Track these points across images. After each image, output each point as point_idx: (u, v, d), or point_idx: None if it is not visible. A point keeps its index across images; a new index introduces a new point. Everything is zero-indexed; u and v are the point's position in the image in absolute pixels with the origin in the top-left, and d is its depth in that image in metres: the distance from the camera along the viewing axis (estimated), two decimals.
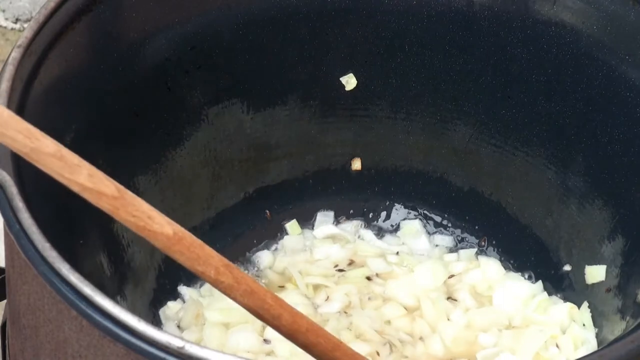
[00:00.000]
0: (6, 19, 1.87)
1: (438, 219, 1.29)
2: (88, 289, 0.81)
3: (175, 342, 0.78)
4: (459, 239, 1.28)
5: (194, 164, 1.21)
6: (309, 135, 1.26)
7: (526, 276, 1.24)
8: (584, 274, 1.19)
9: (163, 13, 1.12)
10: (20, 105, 0.95)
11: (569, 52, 1.16)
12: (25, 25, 1.86)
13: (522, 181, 1.23)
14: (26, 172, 0.88)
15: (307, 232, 1.28)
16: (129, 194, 0.77)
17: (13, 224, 0.85)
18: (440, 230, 1.29)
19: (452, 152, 1.26)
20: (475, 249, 1.27)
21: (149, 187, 1.16)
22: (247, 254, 1.26)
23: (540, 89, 1.18)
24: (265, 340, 1.14)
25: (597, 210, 1.18)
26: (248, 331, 1.15)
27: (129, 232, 1.12)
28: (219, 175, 1.23)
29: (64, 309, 0.84)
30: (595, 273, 1.18)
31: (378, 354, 1.14)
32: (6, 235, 0.90)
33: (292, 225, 1.28)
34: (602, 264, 1.17)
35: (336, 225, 1.29)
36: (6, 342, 1.03)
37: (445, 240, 1.28)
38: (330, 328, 1.16)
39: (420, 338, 1.17)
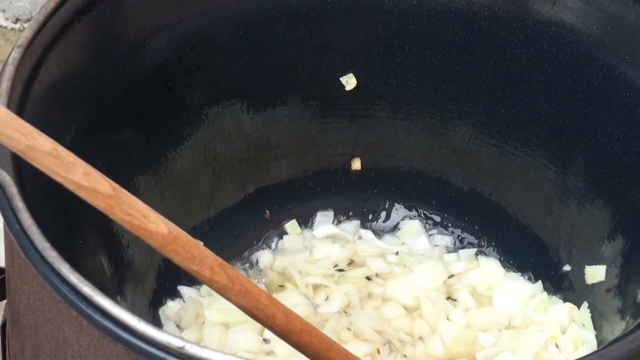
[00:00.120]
0: (6, 19, 1.87)
1: (438, 219, 1.29)
2: (88, 289, 0.81)
3: (175, 342, 0.78)
4: (459, 239, 1.28)
5: (194, 164, 1.21)
6: (309, 135, 1.26)
7: (526, 276, 1.24)
8: (584, 274, 1.19)
9: (163, 13, 1.12)
10: (20, 105, 0.95)
11: (569, 52, 1.16)
12: (25, 25, 1.86)
13: (522, 181, 1.23)
14: (26, 172, 0.88)
15: (306, 232, 1.28)
16: (124, 193, 0.77)
17: (13, 224, 0.85)
18: (440, 230, 1.29)
19: (452, 152, 1.26)
20: (475, 249, 1.27)
21: (149, 187, 1.16)
22: (247, 254, 1.26)
23: (540, 89, 1.18)
24: (265, 340, 1.14)
25: (597, 210, 1.18)
26: (248, 331, 1.15)
27: (129, 232, 1.11)
28: (219, 175, 1.23)
29: (64, 309, 0.84)
30: (595, 273, 1.18)
31: (379, 352, 1.14)
32: (6, 235, 0.90)
33: (291, 225, 1.28)
34: (602, 264, 1.17)
35: (336, 225, 1.29)
36: (6, 342, 1.03)
37: (445, 240, 1.28)
38: (329, 328, 1.16)
39: (420, 338, 1.17)
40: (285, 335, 0.85)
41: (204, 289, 1.21)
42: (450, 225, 1.29)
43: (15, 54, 0.96)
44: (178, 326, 1.18)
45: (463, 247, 1.28)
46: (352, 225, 1.29)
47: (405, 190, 1.29)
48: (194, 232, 1.22)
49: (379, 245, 1.27)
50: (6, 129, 0.72)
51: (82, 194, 0.76)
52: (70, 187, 0.75)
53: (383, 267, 1.24)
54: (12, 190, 0.86)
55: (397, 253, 1.26)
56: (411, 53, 1.21)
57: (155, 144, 1.17)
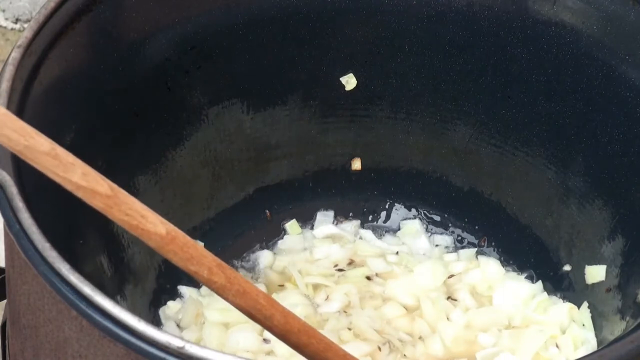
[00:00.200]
0: (6, 19, 1.87)
1: (438, 219, 1.29)
2: (88, 289, 0.81)
3: (175, 342, 0.78)
4: (459, 239, 1.28)
5: (194, 164, 1.21)
6: (309, 135, 1.26)
7: (526, 276, 1.24)
8: (584, 274, 1.19)
9: (163, 13, 1.12)
10: (20, 105, 0.95)
11: (569, 52, 1.16)
12: (25, 25, 1.86)
13: (522, 181, 1.23)
14: (26, 172, 0.88)
15: (306, 232, 1.28)
16: (123, 193, 0.77)
17: (13, 224, 0.85)
18: (440, 230, 1.29)
19: (452, 152, 1.26)
20: (475, 249, 1.27)
21: (149, 187, 1.16)
22: (247, 253, 1.26)
23: (540, 89, 1.18)
24: (265, 340, 1.14)
25: (597, 210, 1.18)
26: (248, 331, 1.15)
27: (128, 232, 1.12)
28: (219, 175, 1.23)
29: (64, 309, 0.84)
30: (595, 273, 1.18)
31: (379, 349, 1.14)
32: (6, 235, 0.90)
33: (292, 225, 1.28)
34: (602, 264, 1.17)
35: (336, 225, 1.29)
36: (6, 342, 1.03)
37: (445, 240, 1.28)
38: (330, 327, 1.16)
39: (420, 338, 1.17)
40: (283, 335, 0.85)
41: (204, 288, 1.21)
42: (450, 225, 1.29)
43: (15, 54, 0.96)
44: (178, 326, 1.18)
45: (463, 247, 1.28)
46: (352, 225, 1.29)
47: (405, 190, 1.29)
48: (194, 232, 1.23)
49: (379, 245, 1.27)
50: (4, 129, 0.72)
51: (80, 194, 0.76)
52: (68, 187, 0.75)
53: (383, 267, 1.24)
54: (12, 190, 0.86)
55: (397, 253, 1.26)
56: (411, 53, 1.21)
57: (155, 144, 1.17)
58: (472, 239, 1.28)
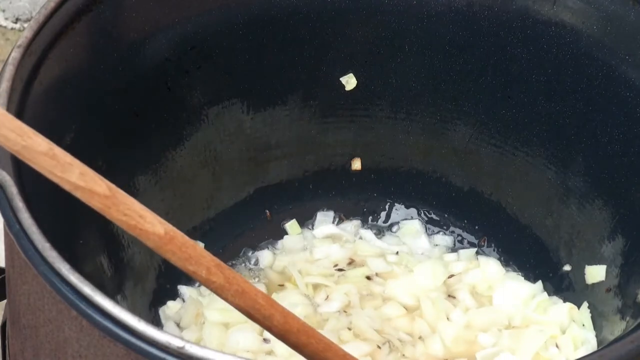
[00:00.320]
0: (6, 19, 1.87)
1: (438, 219, 1.29)
2: (88, 289, 0.81)
3: (175, 342, 0.78)
4: (459, 239, 1.28)
5: (194, 164, 1.21)
6: (309, 135, 1.26)
7: (526, 276, 1.24)
8: (584, 274, 1.19)
9: (163, 13, 1.12)
10: (20, 105, 0.95)
11: (569, 52, 1.16)
12: (25, 25, 1.86)
13: (522, 181, 1.23)
14: (26, 172, 0.88)
15: (306, 232, 1.28)
16: (121, 193, 0.77)
17: (13, 224, 0.85)
18: (440, 230, 1.29)
19: (452, 152, 1.26)
20: (475, 249, 1.27)
21: (149, 187, 1.16)
22: (247, 253, 1.26)
23: (540, 89, 1.18)
24: (265, 340, 1.14)
25: (597, 210, 1.18)
26: (248, 330, 1.15)
27: (128, 232, 1.12)
28: (219, 175, 1.23)
29: (64, 309, 0.84)
30: (595, 273, 1.18)
31: (379, 347, 1.14)
32: (6, 235, 0.90)
33: (292, 225, 1.28)
34: (602, 264, 1.17)
35: (336, 225, 1.29)
36: (6, 342, 1.03)
37: (445, 240, 1.28)
38: (329, 327, 1.16)
39: (420, 338, 1.17)
40: (282, 335, 0.85)
41: (204, 288, 1.21)
42: (450, 225, 1.29)
43: (15, 54, 0.96)
44: (178, 326, 1.18)
45: (463, 247, 1.28)
46: (352, 225, 1.29)
47: (405, 190, 1.29)
48: (194, 232, 1.23)
49: (379, 245, 1.27)
50: (2, 129, 0.72)
51: (78, 194, 0.76)
52: (66, 187, 0.75)
53: (383, 266, 1.24)
54: (12, 190, 0.86)
55: (397, 253, 1.26)
56: (411, 53, 1.21)
57: (155, 144, 1.17)
58: (472, 239, 1.28)
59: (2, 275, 1.01)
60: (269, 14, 1.18)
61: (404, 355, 1.15)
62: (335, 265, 1.25)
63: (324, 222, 1.29)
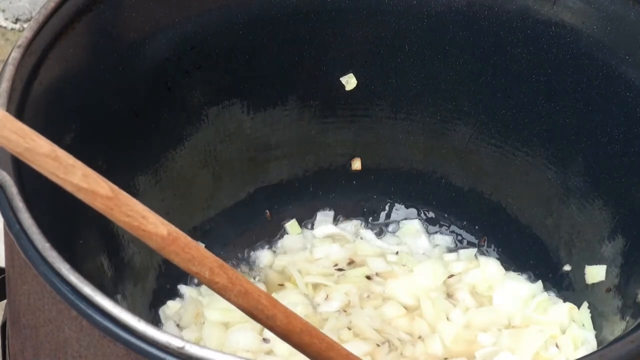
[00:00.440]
0: (6, 19, 1.87)
1: (438, 219, 1.29)
2: (88, 289, 0.81)
3: (175, 342, 0.78)
4: (459, 239, 1.28)
5: (194, 164, 1.21)
6: (309, 135, 1.26)
7: (526, 276, 1.24)
8: (584, 274, 1.19)
9: (163, 13, 1.12)
10: (20, 105, 0.95)
11: (569, 52, 1.16)
12: (25, 25, 1.86)
13: (522, 181, 1.23)
14: (26, 172, 0.88)
15: (306, 231, 1.28)
16: (123, 194, 0.77)
17: (13, 224, 0.85)
18: (440, 230, 1.29)
19: (452, 152, 1.26)
20: (475, 249, 1.27)
21: (149, 187, 1.16)
22: (247, 253, 1.26)
23: (540, 89, 1.18)
24: (265, 340, 1.14)
25: (597, 210, 1.18)
26: (247, 330, 1.15)
27: (128, 233, 1.12)
28: (219, 175, 1.23)
29: (64, 309, 0.84)
30: (595, 273, 1.18)
31: (378, 345, 1.14)
32: (6, 235, 0.90)
33: (292, 225, 1.28)
34: (602, 264, 1.17)
35: (336, 225, 1.29)
36: (6, 342, 1.03)
37: (445, 240, 1.28)
38: (329, 327, 1.16)
39: (420, 337, 1.17)
40: (285, 335, 0.85)
41: (204, 288, 1.21)
42: (450, 225, 1.29)
43: (15, 54, 0.96)
44: (178, 326, 1.18)
45: (463, 247, 1.28)
46: (352, 225, 1.29)
47: (405, 190, 1.29)
48: (194, 232, 1.23)
49: (379, 244, 1.27)
50: (4, 131, 0.72)
51: (81, 195, 0.76)
52: (69, 189, 0.75)
53: (383, 266, 1.24)
54: (12, 190, 0.86)
55: (397, 253, 1.26)
56: (411, 53, 1.21)
57: (155, 144, 1.17)
58: (472, 239, 1.28)
59: (2, 275, 1.01)
60: (269, 14, 1.18)
61: (403, 355, 1.15)
62: (335, 265, 1.25)
63: (324, 222, 1.29)
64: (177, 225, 0.80)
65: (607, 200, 1.17)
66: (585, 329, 1.17)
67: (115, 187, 0.77)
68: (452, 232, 1.29)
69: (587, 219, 1.19)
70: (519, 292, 1.21)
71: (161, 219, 0.79)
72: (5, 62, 0.95)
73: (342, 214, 1.30)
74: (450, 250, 1.28)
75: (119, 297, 1.12)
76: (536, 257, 1.24)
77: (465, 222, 1.28)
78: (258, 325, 1.15)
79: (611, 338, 1.12)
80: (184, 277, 1.21)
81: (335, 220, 1.29)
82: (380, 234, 1.29)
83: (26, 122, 0.74)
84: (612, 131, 1.15)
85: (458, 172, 1.27)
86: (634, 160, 1.13)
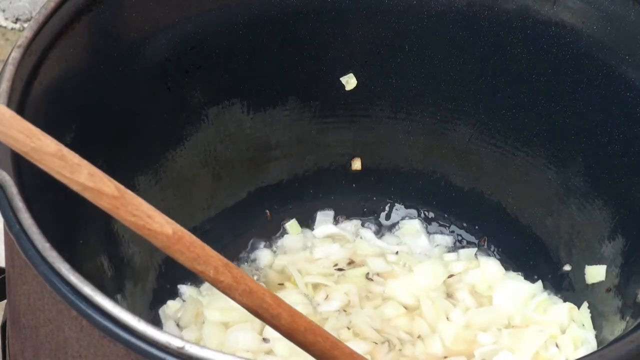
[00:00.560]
0: (6, 18, 1.87)
1: (438, 219, 1.29)
2: (88, 289, 0.81)
3: (175, 342, 0.78)
4: (459, 238, 1.28)
5: (194, 164, 1.21)
6: (309, 135, 1.26)
7: (526, 276, 1.24)
8: (584, 274, 1.19)
9: (163, 13, 1.12)
10: (20, 105, 0.95)
11: (569, 52, 1.16)
12: (25, 25, 1.86)
13: (522, 181, 1.23)
14: (26, 172, 0.88)
15: (306, 231, 1.28)
16: (129, 194, 0.78)
17: (13, 224, 0.85)
18: (440, 230, 1.29)
19: (452, 152, 1.26)
20: (475, 249, 1.27)
21: (149, 187, 1.16)
22: (247, 253, 1.26)
23: (540, 89, 1.18)
24: (265, 339, 1.14)
25: (597, 210, 1.18)
26: (247, 330, 1.15)
27: (128, 232, 1.12)
28: (219, 175, 1.23)
29: (64, 309, 0.85)
30: (595, 273, 1.18)
31: (376, 343, 1.14)
32: (6, 235, 0.90)
33: (292, 225, 1.28)
34: (602, 264, 1.17)
35: (336, 224, 1.29)
36: (6, 342, 1.03)
37: (445, 240, 1.28)
38: (329, 327, 1.16)
39: (420, 337, 1.17)
40: (289, 334, 0.85)
41: (204, 288, 1.21)
42: (450, 225, 1.29)
43: (15, 54, 0.96)
44: (178, 325, 1.18)
45: (463, 247, 1.28)
46: (352, 225, 1.29)
47: (405, 190, 1.29)
48: (194, 231, 1.21)
49: (379, 244, 1.27)
50: (11, 131, 0.73)
51: (87, 195, 0.76)
52: (75, 188, 0.75)
53: (383, 266, 1.24)
54: (12, 190, 0.86)
55: (397, 253, 1.26)
56: (411, 53, 1.21)
57: (155, 144, 1.17)
58: (472, 239, 1.28)
59: (2, 275, 1.01)
60: (269, 14, 1.18)
61: (403, 354, 1.15)
62: (335, 265, 1.25)
63: (324, 222, 1.29)
64: None
65: (607, 200, 1.17)
66: (585, 329, 1.17)
67: (121, 186, 0.77)
68: (452, 232, 1.29)
69: (587, 219, 1.19)
70: (519, 292, 1.21)
71: (166, 218, 0.79)
72: (5, 62, 0.95)
73: (342, 214, 1.30)
74: (450, 250, 1.28)
75: (119, 297, 1.12)
76: (536, 257, 1.24)
77: (465, 222, 1.28)
78: (258, 325, 1.15)
79: (611, 338, 1.12)
80: (184, 277, 1.21)
81: (335, 220, 1.29)
82: (380, 234, 1.29)
83: None
84: (612, 131, 1.15)
85: (458, 172, 1.27)
86: (634, 160, 1.13)
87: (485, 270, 1.24)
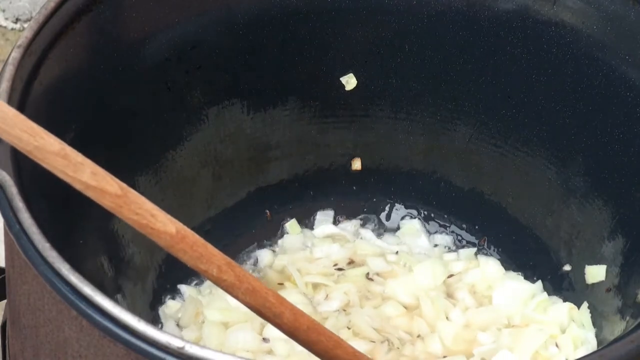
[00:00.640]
0: (6, 18, 1.87)
1: (438, 219, 1.29)
2: (88, 289, 0.81)
3: (175, 342, 0.78)
4: (459, 238, 1.28)
5: (194, 164, 1.21)
6: (309, 135, 1.26)
7: (526, 276, 1.24)
8: (584, 273, 1.19)
9: (163, 13, 1.12)
10: (21, 105, 0.95)
11: (569, 52, 1.16)
12: (25, 25, 1.86)
13: (522, 181, 1.23)
14: (26, 172, 0.88)
15: (306, 231, 1.28)
16: (132, 192, 0.78)
17: (13, 224, 0.85)
18: (440, 230, 1.29)
19: (452, 152, 1.26)
20: (475, 249, 1.27)
21: (149, 187, 1.16)
22: (247, 253, 1.26)
23: (540, 89, 1.18)
24: (264, 339, 1.14)
25: (597, 210, 1.18)
26: (247, 330, 1.15)
27: (129, 232, 1.12)
28: (219, 175, 1.23)
29: (64, 309, 0.85)
30: (595, 273, 1.18)
31: (373, 342, 1.14)
32: (6, 235, 0.90)
33: (292, 225, 1.28)
34: (602, 263, 1.17)
35: (336, 224, 1.29)
36: (6, 342, 1.03)
37: (445, 239, 1.28)
38: (329, 326, 1.16)
39: (419, 337, 1.17)
40: (292, 333, 0.86)
41: (204, 287, 1.21)
42: (450, 225, 1.29)
43: (15, 54, 0.96)
44: (178, 325, 1.18)
45: (463, 247, 1.28)
46: (352, 225, 1.29)
47: (405, 190, 1.29)
48: (194, 232, 1.22)
49: (379, 244, 1.27)
50: (14, 130, 0.73)
51: (90, 193, 0.76)
52: (78, 187, 0.75)
53: (383, 266, 1.24)
54: (12, 190, 0.86)
55: (397, 252, 1.26)
56: (411, 53, 1.21)
57: (155, 144, 1.17)
58: (472, 239, 1.28)
59: (2, 275, 1.01)
60: (269, 14, 1.18)
61: (402, 353, 1.15)
62: (335, 265, 1.25)
63: (324, 222, 1.29)
64: None
65: (607, 200, 1.17)
66: (585, 328, 1.17)
67: (124, 185, 0.77)
68: (452, 232, 1.29)
69: (587, 219, 1.19)
70: (519, 291, 1.21)
71: (169, 217, 0.79)
72: (5, 62, 0.95)
73: (342, 213, 1.30)
74: (450, 250, 1.28)
75: (119, 297, 1.12)
76: (536, 257, 1.24)
77: (465, 222, 1.28)
78: (258, 325, 1.15)
79: (611, 338, 1.12)
80: (184, 277, 1.21)
81: (335, 220, 1.29)
82: (380, 233, 1.29)
83: None
84: (612, 131, 1.15)
85: (458, 172, 1.27)
86: (634, 160, 1.13)
87: (485, 270, 1.24)
